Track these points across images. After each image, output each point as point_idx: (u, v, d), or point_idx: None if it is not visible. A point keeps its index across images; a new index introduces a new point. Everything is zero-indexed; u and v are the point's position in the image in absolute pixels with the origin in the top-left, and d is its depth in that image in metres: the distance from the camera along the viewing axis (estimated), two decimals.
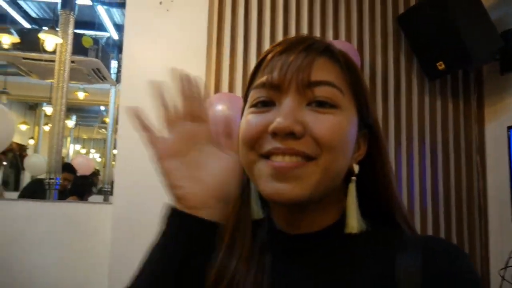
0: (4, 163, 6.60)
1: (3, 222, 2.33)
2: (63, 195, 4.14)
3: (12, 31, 4.12)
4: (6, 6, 4.92)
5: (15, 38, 4.03)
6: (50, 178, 3.36)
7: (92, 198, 5.80)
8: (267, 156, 0.52)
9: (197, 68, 2.27)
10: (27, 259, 2.33)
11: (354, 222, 0.55)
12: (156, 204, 2.10)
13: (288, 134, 0.50)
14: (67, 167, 4.55)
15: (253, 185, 0.58)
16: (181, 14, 2.33)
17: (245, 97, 0.59)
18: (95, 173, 6.75)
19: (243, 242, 0.55)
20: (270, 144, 0.51)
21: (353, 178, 0.56)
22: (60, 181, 3.46)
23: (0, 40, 3.93)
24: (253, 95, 0.55)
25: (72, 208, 2.49)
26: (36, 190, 4.18)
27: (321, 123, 0.51)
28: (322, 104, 0.52)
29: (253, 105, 0.55)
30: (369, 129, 0.59)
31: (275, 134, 0.50)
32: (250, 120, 0.54)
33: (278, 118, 0.50)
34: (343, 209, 0.56)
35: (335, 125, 0.52)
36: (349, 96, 0.55)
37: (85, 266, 2.32)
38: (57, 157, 3.40)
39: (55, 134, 3.45)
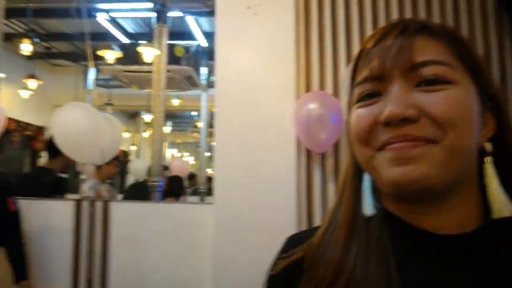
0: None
1: (118, 223, 2.56)
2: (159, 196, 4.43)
3: (114, 47, 4.51)
4: (107, 25, 5.38)
5: (119, 54, 4.40)
6: (153, 181, 3.62)
7: (189, 199, 6.12)
8: (383, 148, 0.48)
9: (287, 68, 2.30)
10: (138, 257, 2.53)
11: (502, 205, 0.49)
12: (255, 202, 2.16)
13: (401, 121, 0.46)
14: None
15: (365, 180, 0.55)
16: (268, 17, 2.37)
17: (350, 95, 0.56)
18: (193, 175, 7.11)
19: (360, 237, 0.52)
20: (384, 135, 0.48)
21: (488, 157, 0.51)
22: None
23: (104, 56, 4.32)
24: (357, 91, 0.52)
25: (176, 208, 2.66)
26: (138, 192, 4.51)
27: (436, 101, 0.47)
28: (432, 82, 0.48)
29: (359, 100, 0.52)
30: (492, 102, 0.53)
31: (388, 124, 0.47)
32: (359, 114, 0.51)
33: (388, 107, 0.47)
34: (483, 204, 0.51)
35: (451, 100, 0.47)
36: (461, 69, 0.50)
37: (191, 264, 2.46)
38: (158, 161, 3.65)
39: (156, 139, 3.70)
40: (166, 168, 5.15)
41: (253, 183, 2.26)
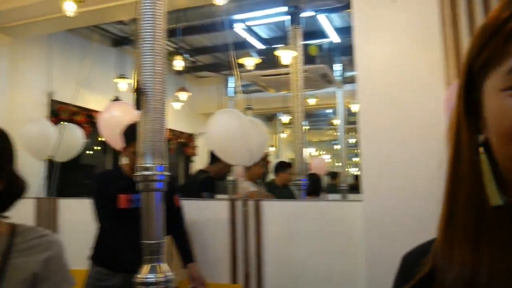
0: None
1: (269, 220, 2.69)
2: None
3: (253, 53, 4.75)
4: (243, 34, 5.69)
5: (258, 60, 4.63)
6: (297, 180, 3.71)
7: (329, 196, 6.13)
8: None
9: (433, 54, 2.15)
10: (291, 253, 2.62)
11: None
12: (406, 199, 2.06)
13: None
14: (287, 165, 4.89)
15: (487, 168, 0.47)
16: (409, 1, 2.25)
17: (471, 73, 0.47)
18: (335, 173, 7.10)
19: (492, 239, 0.44)
20: None
21: None
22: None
23: (244, 63, 4.57)
24: (506, 78, 0.44)
25: (324, 206, 2.69)
26: (273, 190, 4.64)
27: None
28: None
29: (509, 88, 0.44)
30: None
31: None
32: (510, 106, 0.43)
33: None
34: None
35: None
36: None
37: (343, 259, 2.47)
38: (301, 160, 3.72)
39: (297, 139, 3.78)
40: (284, 162, 5.16)
41: (403, 179, 2.16)
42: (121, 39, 6.02)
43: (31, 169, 4.31)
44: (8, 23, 4.17)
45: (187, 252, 2.48)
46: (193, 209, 2.83)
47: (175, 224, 2.43)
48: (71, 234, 3.20)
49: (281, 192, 4.19)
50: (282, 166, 4.61)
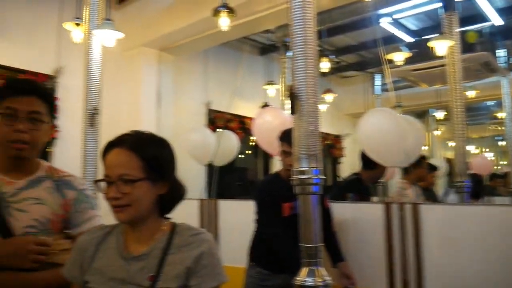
0: None
1: (429, 225, 2.49)
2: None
3: (402, 47, 4.49)
4: (390, 28, 5.42)
5: (407, 54, 4.36)
6: (458, 181, 3.38)
7: (495, 200, 5.46)
8: None
9: None
10: (455, 261, 2.39)
11: None
12: None
13: None
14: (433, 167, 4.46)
15: None
16: None
17: None
18: (497, 175, 6.35)
19: None
20: None
21: None
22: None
23: (393, 58, 4.34)
24: None
25: (496, 211, 2.38)
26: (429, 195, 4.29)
27: None
28: None
29: None
30: None
31: None
32: None
33: None
34: None
35: None
36: None
37: None
38: (462, 160, 3.38)
39: (457, 137, 3.45)
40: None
41: None
42: (267, 47, 6.28)
43: (194, 173, 4.77)
44: (172, 44, 4.69)
45: (338, 251, 2.48)
46: (345, 211, 2.79)
47: (325, 225, 2.43)
48: (230, 232, 3.43)
49: (425, 195, 3.89)
50: (428, 168, 4.27)
